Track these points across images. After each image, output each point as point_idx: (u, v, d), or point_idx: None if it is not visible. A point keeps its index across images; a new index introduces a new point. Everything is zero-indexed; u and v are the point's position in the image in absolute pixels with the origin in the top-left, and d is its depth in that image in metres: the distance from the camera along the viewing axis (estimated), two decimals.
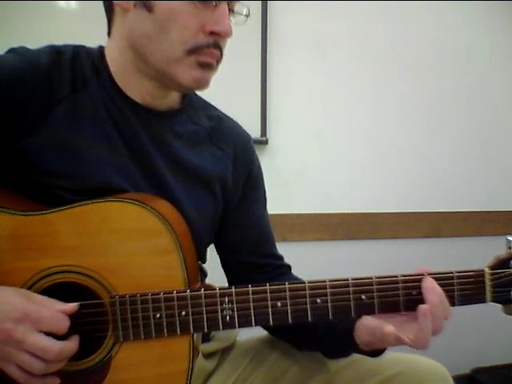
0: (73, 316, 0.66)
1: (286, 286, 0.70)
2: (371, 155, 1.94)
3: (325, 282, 0.70)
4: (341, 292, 0.70)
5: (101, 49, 0.80)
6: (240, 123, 0.94)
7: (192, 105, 0.87)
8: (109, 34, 0.80)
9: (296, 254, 1.77)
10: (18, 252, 0.70)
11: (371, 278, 0.71)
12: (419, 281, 0.70)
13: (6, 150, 0.72)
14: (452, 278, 0.71)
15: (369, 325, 0.73)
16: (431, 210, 2.00)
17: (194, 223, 0.80)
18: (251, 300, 0.70)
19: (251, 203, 0.92)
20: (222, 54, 0.76)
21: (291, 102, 1.84)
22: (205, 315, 0.70)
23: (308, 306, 0.70)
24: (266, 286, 0.70)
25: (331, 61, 1.87)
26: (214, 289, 0.71)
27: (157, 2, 0.71)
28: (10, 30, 1.54)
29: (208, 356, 0.92)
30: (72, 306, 0.66)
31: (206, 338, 0.90)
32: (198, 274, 0.81)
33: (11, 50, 0.76)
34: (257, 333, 0.92)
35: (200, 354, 0.87)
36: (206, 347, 0.90)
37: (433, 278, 0.70)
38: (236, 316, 0.70)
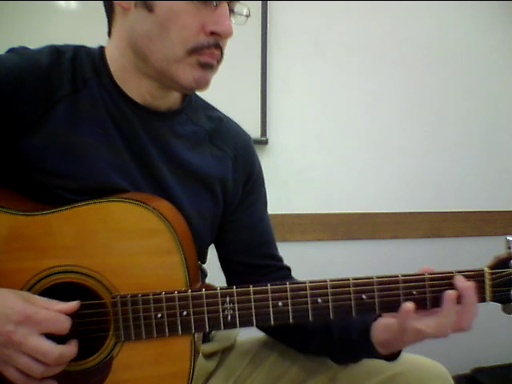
0: (74, 316, 0.66)
1: (287, 285, 0.70)
2: (371, 155, 1.94)
3: (326, 281, 0.70)
4: (341, 292, 0.70)
5: (101, 49, 0.80)
6: (240, 123, 0.94)
7: (192, 105, 0.87)
8: (109, 34, 0.80)
9: (296, 254, 1.78)
10: (19, 252, 0.70)
11: (372, 278, 0.71)
12: (420, 280, 0.71)
13: (6, 150, 0.72)
14: (452, 277, 0.71)
15: (386, 322, 0.73)
16: (431, 209, 2.01)
17: (194, 223, 0.80)
18: (252, 300, 0.70)
19: (251, 204, 0.92)
20: (222, 54, 0.76)
21: (291, 102, 1.84)
22: (206, 315, 0.70)
23: (309, 305, 0.70)
24: (267, 285, 0.70)
25: (331, 60, 1.88)
26: (215, 289, 0.71)
27: (157, 2, 0.71)
28: (10, 29, 1.54)
29: (208, 356, 0.92)
30: (72, 305, 0.66)
31: (206, 339, 0.90)
32: (198, 273, 0.81)
33: (11, 50, 0.76)
34: (257, 333, 0.92)
35: (200, 354, 0.87)
36: (206, 347, 0.91)
37: (433, 277, 0.70)
38: (237, 316, 0.70)
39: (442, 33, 1.99)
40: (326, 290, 0.70)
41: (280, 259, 0.95)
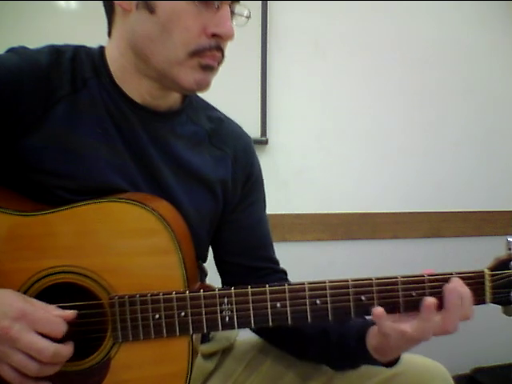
0: (69, 323, 0.66)
1: (286, 286, 0.70)
2: (371, 155, 1.94)
3: (324, 282, 0.70)
4: (340, 293, 0.70)
5: (101, 49, 0.80)
6: (240, 123, 0.94)
7: (192, 105, 0.87)
8: (109, 34, 0.80)
9: (296, 254, 1.79)
10: (17, 252, 0.70)
11: (371, 279, 0.70)
12: (419, 282, 0.70)
13: (5, 150, 0.72)
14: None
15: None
16: (431, 209, 2.00)
17: (193, 223, 0.80)
18: (250, 301, 0.70)
19: (250, 205, 0.91)
20: (223, 56, 0.76)
21: (291, 102, 1.84)
22: (204, 316, 0.69)
23: (307, 306, 0.70)
24: (265, 286, 0.70)
25: (331, 61, 1.87)
26: (214, 289, 0.70)
27: (159, 4, 0.70)
28: (10, 30, 1.54)
29: (207, 357, 0.92)
30: (70, 314, 0.66)
31: (205, 339, 0.90)
32: (197, 274, 0.81)
33: (11, 50, 0.76)
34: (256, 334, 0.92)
35: (199, 355, 0.87)
36: (205, 348, 0.90)
37: (432, 278, 0.70)
38: (235, 317, 0.70)
39: (442, 33, 1.99)
40: (324, 292, 0.70)
41: (276, 262, 0.95)
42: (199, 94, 0.89)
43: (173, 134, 0.82)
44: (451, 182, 2.03)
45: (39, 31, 1.55)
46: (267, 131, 1.78)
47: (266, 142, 1.78)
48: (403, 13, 1.94)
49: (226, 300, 0.70)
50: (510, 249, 0.72)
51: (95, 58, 0.78)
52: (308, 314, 0.70)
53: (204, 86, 0.76)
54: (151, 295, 0.69)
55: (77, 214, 0.71)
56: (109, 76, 0.78)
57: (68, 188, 0.73)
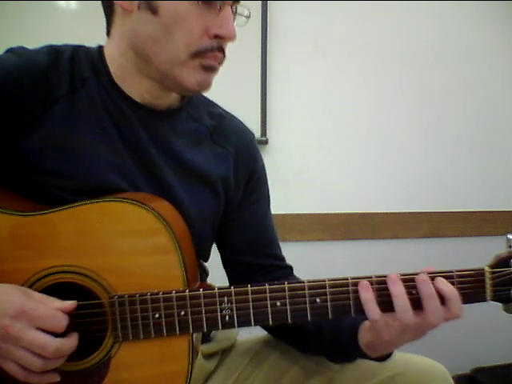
0: (72, 316, 0.66)
1: (286, 285, 0.70)
2: (371, 155, 1.94)
3: (324, 281, 0.70)
4: (340, 291, 0.70)
5: (100, 48, 0.80)
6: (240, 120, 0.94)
7: (193, 102, 0.87)
8: (108, 33, 0.79)
9: (296, 254, 1.77)
10: (17, 252, 0.70)
11: (371, 278, 0.70)
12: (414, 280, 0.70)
13: (4, 150, 0.72)
14: (452, 277, 0.70)
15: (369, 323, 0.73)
16: (431, 209, 2.00)
17: (194, 222, 0.80)
18: (250, 300, 0.70)
19: (254, 202, 0.91)
20: (224, 56, 0.76)
21: (291, 102, 1.84)
22: (204, 315, 0.69)
23: (307, 305, 0.70)
24: (265, 285, 0.70)
25: (331, 60, 1.88)
26: (213, 288, 0.70)
27: (162, 5, 0.70)
28: (10, 30, 1.54)
29: (208, 356, 0.92)
30: (70, 304, 0.66)
31: (206, 339, 0.90)
32: (197, 273, 0.81)
33: (9, 50, 0.76)
34: (257, 333, 0.92)
35: (200, 355, 0.87)
36: (205, 348, 0.90)
37: (431, 276, 0.70)
38: (235, 316, 0.70)
39: (442, 33, 1.99)
40: (324, 290, 0.70)
41: (282, 259, 0.95)
42: None
43: (173, 133, 0.82)
44: (451, 182, 2.03)
45: (39, 31, 1.55)
46: (267, 131, 1.78)
47: (266, 142, 1.78)
48: (403, 13, 1.94)
49: (225, 299, 0.70)
50: (510, 246, 0.72)
51: (94, 58, 0.78)
52: (308, 312, 0.70)
53: (205, 86, 0.76)
54: (151, 294, 0.69)
55: (76, 214, 0.71)
56: (108, 75, 0.78)
57: (67, 188, 0.73)
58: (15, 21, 1.53)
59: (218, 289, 0.70)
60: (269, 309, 0.70)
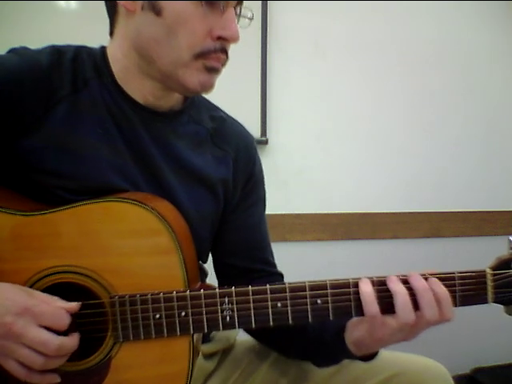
0: (73, 316, 0.66)
1: (287, 286, 0.70)
2: (371, 155, 1.94)
3: (325, 282, 0.70)
4: (341, 293, 0.70)
5: (102, 49, 0.80)
6: (241, 124, 0.94)
7: (194, 104, 0.87)
8: (111, 34, 0.79)
9: (296, 254, 1.79)
10: (18, 252, 0.70)
11: (372, 278, 0.70)
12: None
13: (5, 150, 0.72)
14: (454, 278, 0.71)
15: (357, 319, 0.73)
16: (431, 209, 2.00)
17: (194, 223, 0.80)
18: (251, 300, 0.70)
19: (251, 205, 0.91)
20: (227, 58, 0.76)
21: (291, 102, 1.84)
22: (205, 315, 0.69)
23: (308, 306, 0.70)
24: (266, 286, 0.70)
25: (331, 60, 1.87)
26: (214, 289, 0.70)
27: (165, 6, 0.70)
28: (10, 29, 1.54)
29: (208, 356, 0.92)
30: (73, 305, 0.66)
31: (206, 339, 0.90)
32: (197, 273, 0.81)
33: (12, 50, 0.76)
34: None
35: (200, 355, 0.87)
36: (206, 348, 0.90)
37: (435, 278, 0.70)
38: (236, 316, 0.70)
39: (442, 33, 1.99)
40: (325, 291, 0.70)
41: (273, 265, 0.94)
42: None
43: (174, 134, 0.82)
44: (451, 182, 2.03)
45: (39, 31, 1.54)
46: (267, 131, 1.78)
47: (266, 142, 1.78)
48: (403, 13, 1.94)
49: (226, 299, 0.70)
50: (511, 248, 0.72)
51: (97, 58, 0.78)
52: (309, 313, 0.70)
53: (208, 87, 0.77)
54: (152, 295, 0.69)
55: (77, 214, 0.71)
56: (110, 76, 0.78)
57: (68, 188, 0.73)
58: (15, 21, 1.53)
59: (219, 289, 0.70)
60: (269, 310, 0.70)
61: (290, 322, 0.70)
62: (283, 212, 1.81)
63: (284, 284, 0.70)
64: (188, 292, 0.70)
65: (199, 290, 0.70)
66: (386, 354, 0.80)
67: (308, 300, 0.70)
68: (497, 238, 1.96)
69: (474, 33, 2.03)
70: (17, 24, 1.53)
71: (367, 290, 0.69)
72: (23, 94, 0.71)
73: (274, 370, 0.91)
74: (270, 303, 0.70)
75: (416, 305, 0.68)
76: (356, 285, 0.70)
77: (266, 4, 1.74)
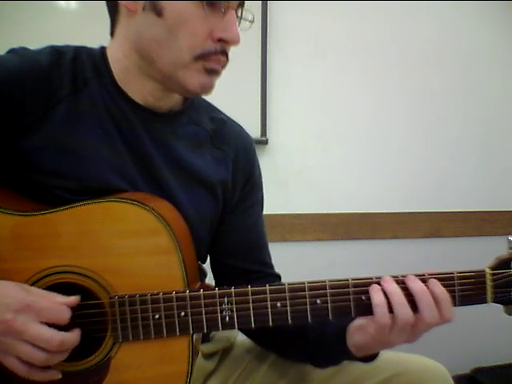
0: (72, 316, 0.66)
1: (286, 286, 0.70)
2: (371, 155, 1.94)
3: (325, 282, 0.70)
4: (341, 293, 0.70)
5: (102, 49, 0.80)
6: (240, 123, 0.94)
7: (194, 106, 0.87)
8: (111, 34, 0.79)
9: (296, 254, 1.79)
10: (17, 252, 0.70)
11: (371, 279, 0.70)
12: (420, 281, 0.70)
13: (5, 150, 0.72)
14: (453, 278, 0.70)
15: (361, 323, 0.73)
16: (431, 209, 2.00)
17: (193, 224, 0.80)
18: (251, 301, 0.70)
19: (249, 206, 0.91)
20: (227, 60, 0.76)
21: (291, 102, 1.84)
22: (204, 316, 0.69)
23: (308, 306, 0.70)
24: (265, 286, 0.70)
25: (331, 60, 1.87)
26: (214, 289, 0.70)
27: (167, 7, 0.70)
28: (10, 29, 1.54)
29: (208, 356, 0.92)
30: (73, 299, 0.66)
31: (205, 339, 0.90)
32: (197, 273, 0.81)
33: (11, 51, 0.76)
34: None
35: (200, 355, 0.87)
36: (205, 348, 0.90)
37: (433, 277, 0.70)
38: (235, 316, 0.70)
39: (442, 33, 1.99)
40: (325, 291, 0.70)
41: (270, 266, 0.94)
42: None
43: (174, 135, 0.82)
44: (451, 182, 2.03)
45: (39, 31, 1.55)
46: (267, 131, 1.78)
47: (265, 142, 1.78)
48: (403, 13, 1.94)
49: (226, 300, 0.70)
50: (511, 248, 0.72)
51: (96, 59, 0.78)
52: (308, 313, 0.70)
53: (208, 89, 0.77)
54: (151, 295, 0.69)
55: (77, 214, 0.71)
56: (110, 76, 0.78)
57: (68, 188, 0.73)
58: (15, 21, 1.53)
59: (219, 289, 0.70)
60: (269, 310, 0.70)
61: (290, 322, 0.70)
62: (283, 212, 1.81)
63: (283, 284, 0.70)
64: (187, 292, 0.69)
65: (199, 290, 0.70)
66: (385, 355, 0.80)
67: (307, 300, 0.70)
68: (497, 238, 1.96)
69: (473, 33, 2.04)
70: (17, 24, 1.54)
71: (379, 299, 0.68)
72: (23, 94, 0.71)
73: (273, 370, 0.91)
74: (269, 303, 0.70)
75: (414, 307, 0.68)
76: (355, 285, 0.70)
77: (266, 4, 1.74)
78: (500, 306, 0.73)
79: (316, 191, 1.88)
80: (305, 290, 0.70)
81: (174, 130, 0.82)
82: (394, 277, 0.70)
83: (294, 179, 1.85)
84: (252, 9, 0.80)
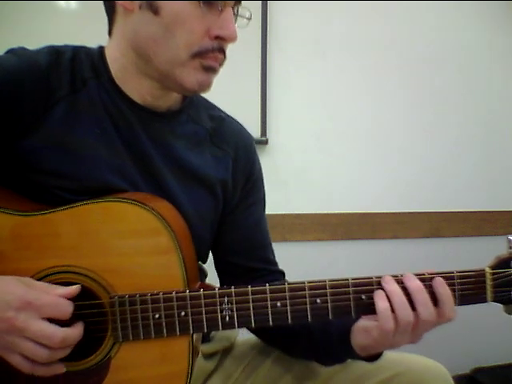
0: (72, 316, 0.66)
1: (286, 286, 0.70)
2: (371, 155, 1.94)
3: (324, 282, 0.70)
4: (341, 292, 0.70)
5: (101, 49, 0.80)
6: (240, 123, 0.94)
7: (193, 104, 0.87)
8: (109, 33, 0.79)
9: (296, 254, 1.79)
10: (17, 252, 0.70)
11: (371, 278, 0.70)
12: (420, 280, 0.70)
13: (5, 150, 0.72)
14: (453, 277, 0.71)
15: (365, 325, 0.73)
16: (431, 209, 2.00)
17: (193, 224, 0.80)
18: (251, 300, 0.70)
19: (250, 205, 0.91)
20: (224, 57, 0.76)
21: (291, 102, 1.84)
22: (204, 315, 0.69)
23: (308, 306, 0.70)
24: (265, 286, 0.70)
25: (331, 61, 1.88)
26: (214, 289, 0.70)
27: (163, 5, 0.70)
28: (10, 30, 1.54)
29: (208, 356, 0.92)
30: (72, 289, 0.66)
31: (205, 339, 0.90)
32: (197, 273, 0.81)
33: (10, 51, 0.76)
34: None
35: (200, 355, 0.87)
36: (205, 347, 0.90)
37: (433, 277, 0.70)
38: (235, 316, 0.70)
39: (442, 33, 1.99)
40: (325, 291, 0.70)
41: (274, 263, 0.94)
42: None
43: (173, 135, 0.82)
44: (451, 182, 2.03)
45: (39, 31, 1.55)
46: (267, 131, 1.78)
47: (265, 142, 1.78)
48: (403, 13, 1.94)
49: (226, 299, 0.69)
50: (510, 247, 0.72)
51: (94, 58, 0.78)
52: (308, 313, 0.70)
53: (206, 86, 0.76)
54: (151, 295, 0.69)
55: (77, 214, 0.71)
56: (108, 76, 0.77)
57: (68, 188, 0.73)
58: (15, 21, 1.53)
59: (219, 289, 0.70)
60: (269, 309, 0.70)
61: (290, 321, 0.70)
62: (283, 212, 1.81)
63: (283, 284, 0.70)
64: (187, 292, 0.69)
65: (199, 290, 0.70)
66: (388, 354, 0.80)
67: (307, 300, 0.70)
68: (497, 237, 1.96)
69: (473, 33, 2.04)
70: (17, 24, 1.54)
71: (384, 306, 0.68)
72: (22, 94, 0.71)
73: (277, 366, 0.91)
74: (269, 303, 0.70)
75: (413, 306, 0.68)
76: (355, 285, 0.70)
77: (266, 4, 1.74)
78: (500, 306, 0.73)
79: (316, 191, 1.88)
80: (305, 290, 0.70)
81: (172, 129, 0.82)
82: (393, 276, 0.70)
83: (294, 179, 1.85)
84: (251, 9, 0.79)
